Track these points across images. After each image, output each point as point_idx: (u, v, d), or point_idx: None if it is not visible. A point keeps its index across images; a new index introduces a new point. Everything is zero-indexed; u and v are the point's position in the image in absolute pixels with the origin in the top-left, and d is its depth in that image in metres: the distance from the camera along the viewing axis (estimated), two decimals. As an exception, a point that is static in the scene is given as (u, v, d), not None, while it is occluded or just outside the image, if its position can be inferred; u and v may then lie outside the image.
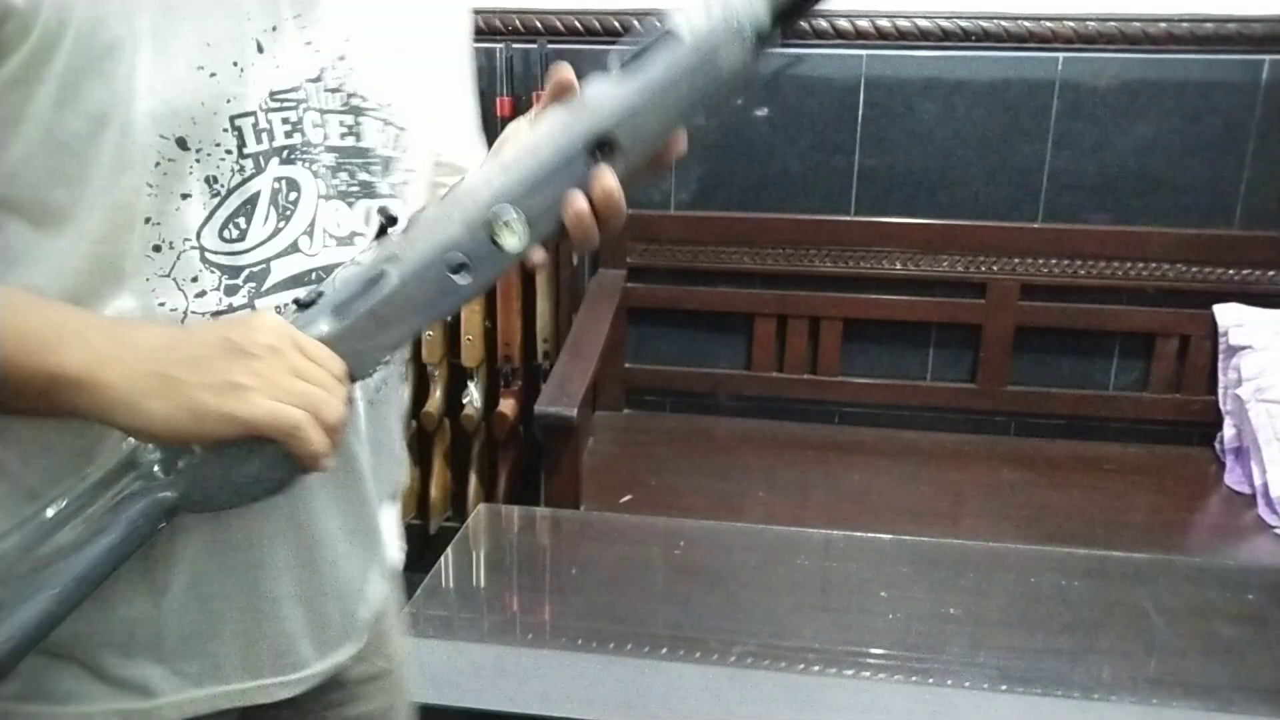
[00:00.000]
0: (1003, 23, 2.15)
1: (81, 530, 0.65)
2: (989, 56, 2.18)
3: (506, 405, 2.35)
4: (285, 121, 0.72)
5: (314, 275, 0.74)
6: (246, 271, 0.72)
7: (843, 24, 2.18)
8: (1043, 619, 1.26)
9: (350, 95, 0.76)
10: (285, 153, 0.73)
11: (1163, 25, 2.11)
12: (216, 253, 0.71)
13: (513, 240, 0.66)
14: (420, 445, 2.48)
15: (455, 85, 0.91)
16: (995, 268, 2.25)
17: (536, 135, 0.67)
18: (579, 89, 0.68)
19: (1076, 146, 2.20)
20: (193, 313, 0.70)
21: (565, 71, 0.69)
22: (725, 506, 1.99)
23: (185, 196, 0.69)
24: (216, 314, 0.71)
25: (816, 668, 1.16)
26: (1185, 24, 2.11)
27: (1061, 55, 2.16)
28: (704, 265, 2.32)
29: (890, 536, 1.48)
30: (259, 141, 0.71)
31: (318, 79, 0.74)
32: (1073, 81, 2.17)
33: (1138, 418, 2.29)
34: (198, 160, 0.69)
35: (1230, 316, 2.18)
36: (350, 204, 0.77)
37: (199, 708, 0.77)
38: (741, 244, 2.31)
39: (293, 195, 0.73)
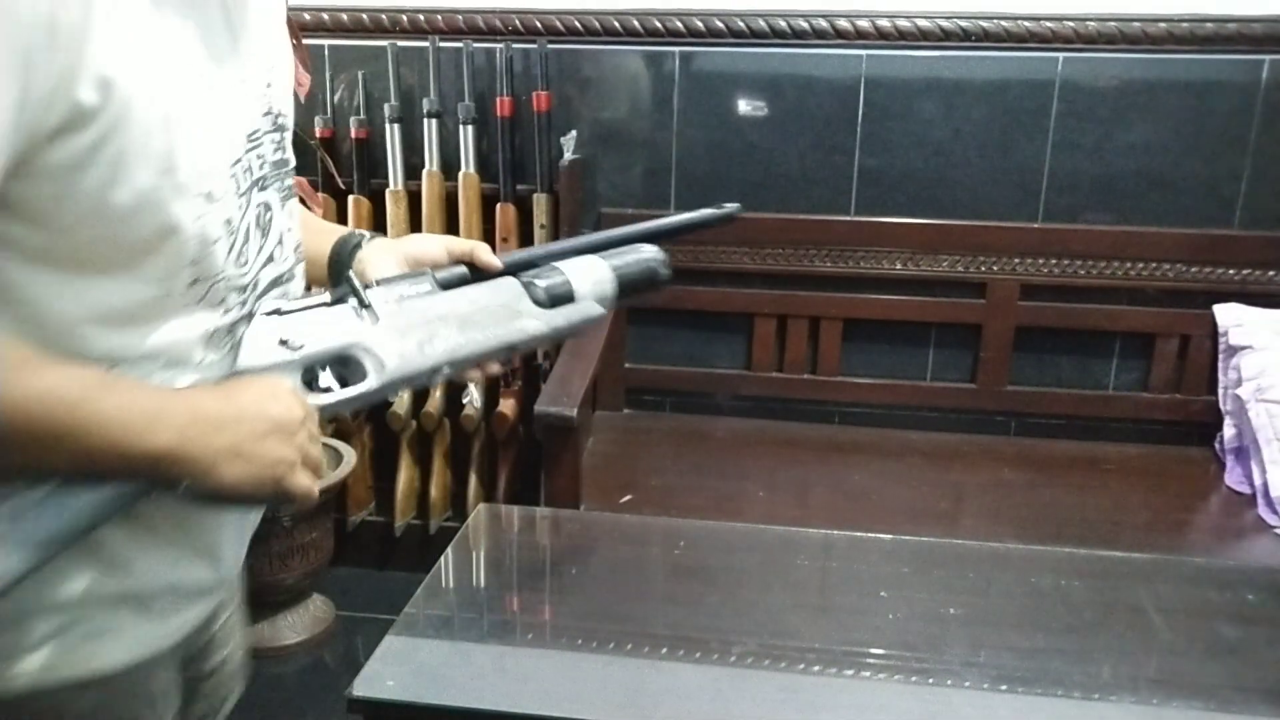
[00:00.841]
0: (1003, 23, 2.15)
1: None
2: (989, 56, 2.18)
3: (506, 405, 2.35)
4: (258, 156, 0.85)
5: (283, 276, 0.90)
6: (249, 286, 0.85)
7: (843, 24, 2.18)
8: (1043, 619, 1.25)
9: (277, 115, 0.89)
10: (260, 182, 0.85)
11: (1163, 25, 2.12)
12: (232, 277, 0.83)
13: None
14: (420, 445, 2.48)
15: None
16: (995, 268, 2.25)
17: (487, 319, 0.95)
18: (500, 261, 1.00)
19: (1076, 146, 2.21)
20: (217, 327, 0.83)
21: (495, 262, 0.99)
22: (725, 506, 2.00)
23: (215, 240, 0.80)
24: (233, 325, 0.84)
25: (816, 668, 1.15)
26: (1185, 24, 2.11)
27: (1061, 55, 2.16)
28: (704, 265, 2.32)
29: (890, 536, 1.48)
30: (247, 179, 0.83)
31: (254, 106, 0.85)
32: (1073, 81, 2.17)
33: (1138, 418, 2.30)
34: (218, 208, 0.79)
35: (1230, 316, 2.19)
36: (283, 206, 0.90)
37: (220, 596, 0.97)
38: (741, 244, 2.31)
39: (268, 215, 0.87)
